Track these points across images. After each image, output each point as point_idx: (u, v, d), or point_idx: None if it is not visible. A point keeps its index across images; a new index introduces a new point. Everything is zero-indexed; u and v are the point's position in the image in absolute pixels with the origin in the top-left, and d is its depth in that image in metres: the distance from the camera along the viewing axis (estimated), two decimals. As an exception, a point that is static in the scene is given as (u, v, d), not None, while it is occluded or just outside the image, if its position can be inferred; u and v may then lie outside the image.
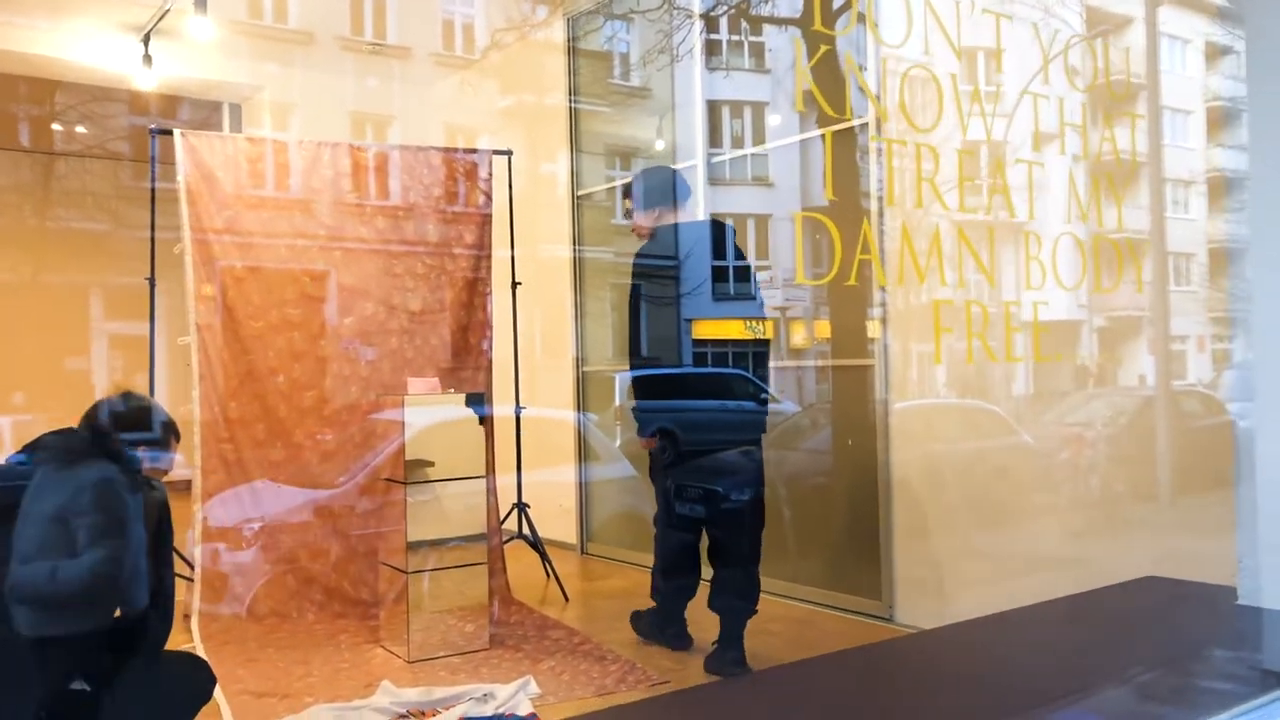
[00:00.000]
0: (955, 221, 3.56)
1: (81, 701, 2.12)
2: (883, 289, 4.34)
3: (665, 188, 4.24)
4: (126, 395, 2.66)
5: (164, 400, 4.59)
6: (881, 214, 4.21)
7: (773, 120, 5.89)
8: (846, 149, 4.47)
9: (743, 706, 1.44)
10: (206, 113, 7.21)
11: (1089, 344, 5.14)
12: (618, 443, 6.16)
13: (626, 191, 4.34)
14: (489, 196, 5.04)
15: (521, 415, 5.19)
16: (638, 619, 4.15)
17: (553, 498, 5.99)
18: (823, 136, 4.36)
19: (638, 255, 4.25)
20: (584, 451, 6.17)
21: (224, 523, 4.49)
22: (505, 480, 5.05)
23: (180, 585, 4.04)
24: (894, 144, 3.45)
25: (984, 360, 3.90)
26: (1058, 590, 4.06)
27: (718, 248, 4.36)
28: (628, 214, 4.26)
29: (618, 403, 6.23)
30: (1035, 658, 1.82)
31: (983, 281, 3.77)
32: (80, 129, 7.90)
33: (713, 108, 6.09)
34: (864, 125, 4.31)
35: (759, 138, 6.01)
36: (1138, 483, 4.78)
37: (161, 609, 2.38)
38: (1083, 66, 4.05)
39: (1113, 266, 4.27)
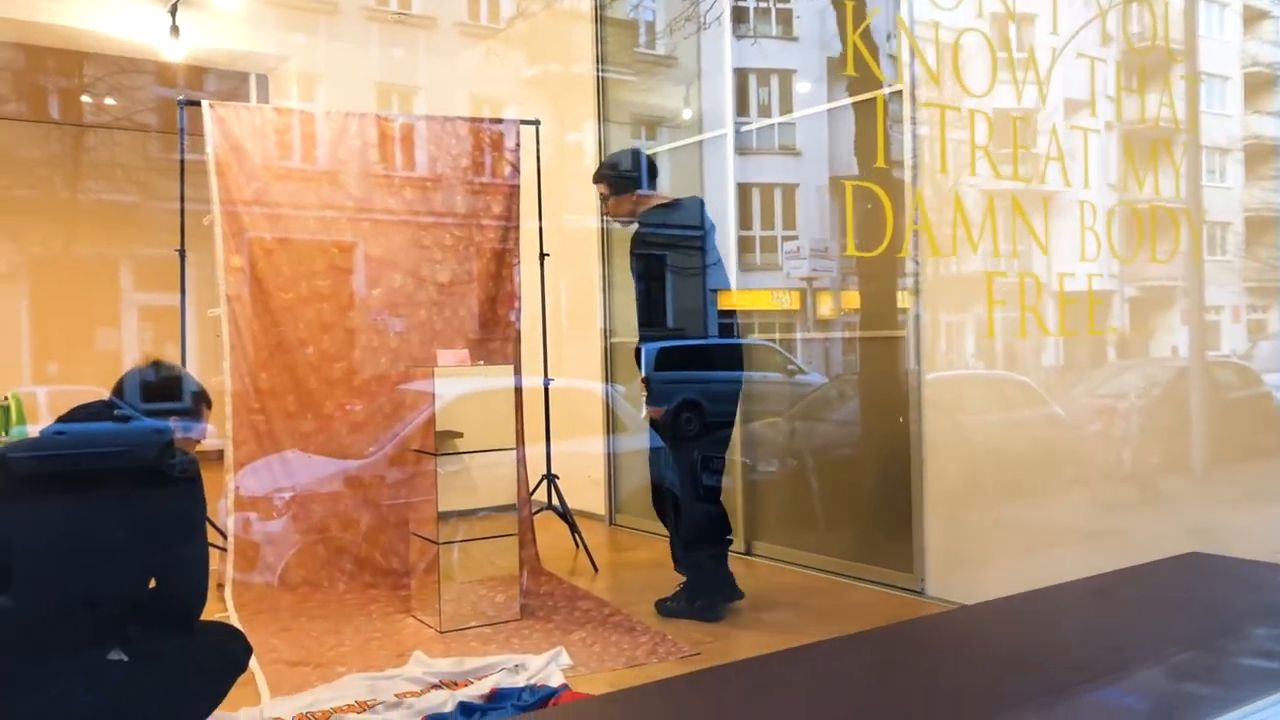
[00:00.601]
0: (1003, 190, 3.50)
1: (120, 671, 2.14)
2: (915, 260, 4.29)
3: (637, 170, 4.26)
4: (156, 365, 2.66)
5: (195, 371, 4.62)
6: (916, 182, 4.15)
7: (801, 88, 5.81)
8: (877, 117, 4.40)
9: (781, 681, 1.42)
10: (234, 83, 7.21)
11: (1120, 314, 5.07)
12: (644, 414, 6.16)
13: (597, 178, 4.29)
14: (516, 167, 5.01)
15: (549, 387, 5.20)
16: (662, 606, 4.12)
17: (581, 469, 6.00)
18: (874, 101, 4.30)
19: (644, 228, 4.23)
20: (612, 423, 6.17)
21: (255, 492, 4.53)
22: (534, 451, 5.06)
23: (214, 555, 4.08)
24: (948, 110, 3.38)
25: (1015, 331, 3.85)
26: (1089, 562, 4.03)
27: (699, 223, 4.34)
28: (603, 199, 4.26)
29: (642, 374, 6.23)
30: (1074, 636, 1.80)
31: (1024, 251, 3.72)
32: (109, 101, 7.92)
33: (740, 76, 6.02)
34: (896, 93, 4.24)
35: (786, 106, 5.94)
36: (1171, 455, 4.72)
37: (196, 579, 2.40)
38: (1118, 31, 3.97)
39: (1146, 236, 4.20)
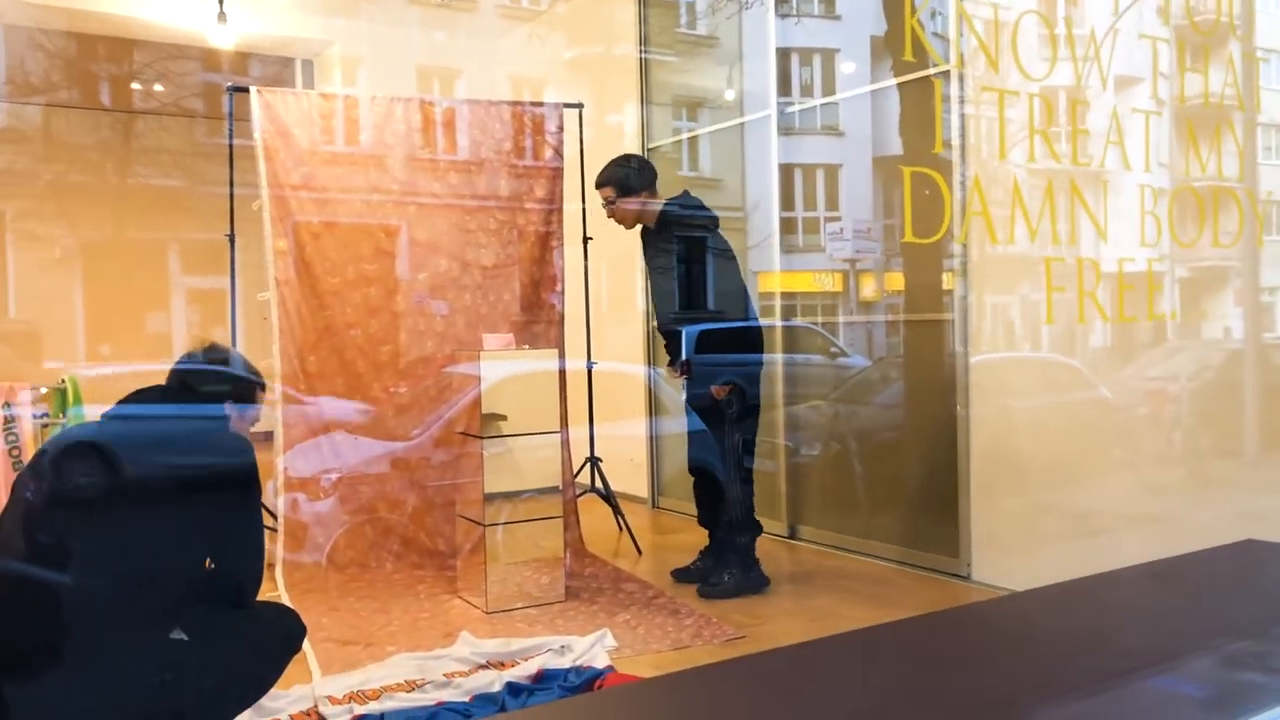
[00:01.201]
0: (1060, 174, 3.45)
1: (182, 651, 2.19)
2: (963, 244, 4.24)
3: (643, 174, 4.35)
4: (211, 348, 2.70)
5: (244, 354, 4.69)
6: (968, 166, 4.10)
7: (845, 68, 5.75)
8: (926, 98, 4.35)
9: (830, 667, 1.43)
10: (278, 68, 7.28)
11: (1171, 296, 4.98)
12: (685, 396, 6.16)
13: (601, 183, 4.38)
14: (559, 150, 5.02)
15: (592, 370, 5.22)
16: (706, 590, 4.15)
17: (623, 452, 6.03)
18: (924, 83, 4.25)
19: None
20: (654, 405, 6.19)
21: (303, 473, 4.60)
22: (577, 434, 5.09)
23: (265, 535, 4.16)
24: (1006, 94, 3.33)
25: (1069, 316, 3.80)
26: (1138, 547, 3.99)
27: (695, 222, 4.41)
28: (609, 202, 4.33)
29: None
30: (1125, 623, 1.78)
31: (1079, 236, 3.66)
32: (158, 87, 8.04)
33: (782, 55, 5.97)
34: (944, 73, 4.19)
35: (829, 85, 5.88)
36: (1223, 439, 4.64)
37: (252, 559, 2.44)
38: (1177, 7, 3.88)
39: (1207, 219, 4.12)
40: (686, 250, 4.34)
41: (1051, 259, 3.50)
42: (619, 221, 4.38)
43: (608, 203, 4.34)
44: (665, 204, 4.33)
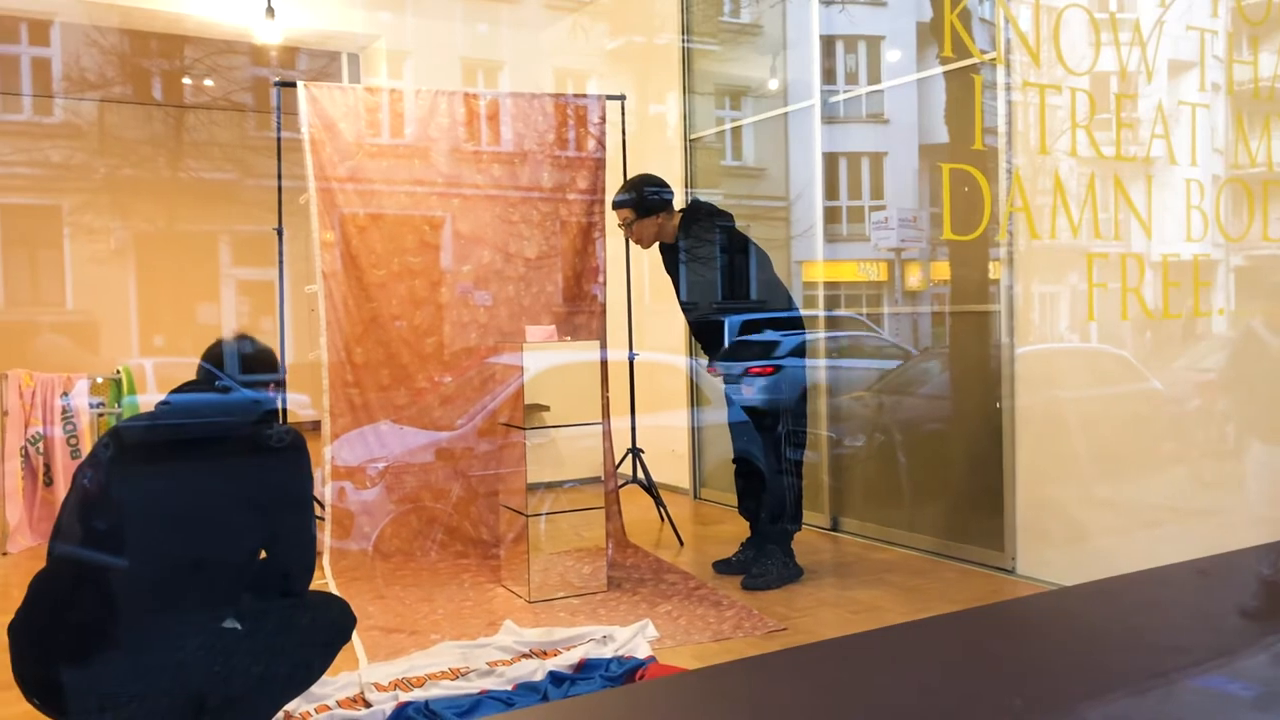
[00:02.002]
0: (1104, 168, 3.39)
1: (235, 639, 2.24)
2: (1010, 242, 4.19)
3: (660, 194, 4.39)
4: (241, 338, 2.69)
5: (291, 345, 4.77)
6: (1012, 159, 4.05)
7: (890, 56, 5.69)
8: (970, 88, 4.29)
9: (874, 660, 1.43)
10: (325, 62, 7.37)
11: (1226, 285, 4.88)
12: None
13: (618, 205, 4.43)
14: (601, 141, 5.03)
15: (634, 360, 5.23)
16: (750, 583, 4.14)
17: (665, 442, 6.04)
18: (971, 78, 4.20)
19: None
20: (696, 396, 6.19)
21: (350, 462, 4.67)
22: (619, 424, 5.10)
23: (313, 523, 4.23)
24: (1047, 89, 3.29)
25: (1115, 310, 3.74)
26: (1188, 541, 3.92)
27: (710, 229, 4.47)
28: (627, 225, 4.38)
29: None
30: (1175, 620, 1.76)
31: (1125, 230, 3.60)
32: (208, 82, 8.17)
33: (826, 42, 5.92)
34: (991, 60, 4.13)
35: (874, 72, 5.83)
36: (1279, 432, 4.55)
37: (302, 548, 2.48)
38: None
39: (1257, 210, 4.02)
40: (711, 251, 4.39)
41: (1094, 255, 3.44)
42: (636, 241, 4.46)
43: (625, 224, 4.40)
44: (682, 215, 4.39)
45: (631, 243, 4.57)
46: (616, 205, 4.45)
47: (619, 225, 4.46)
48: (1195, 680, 1.46)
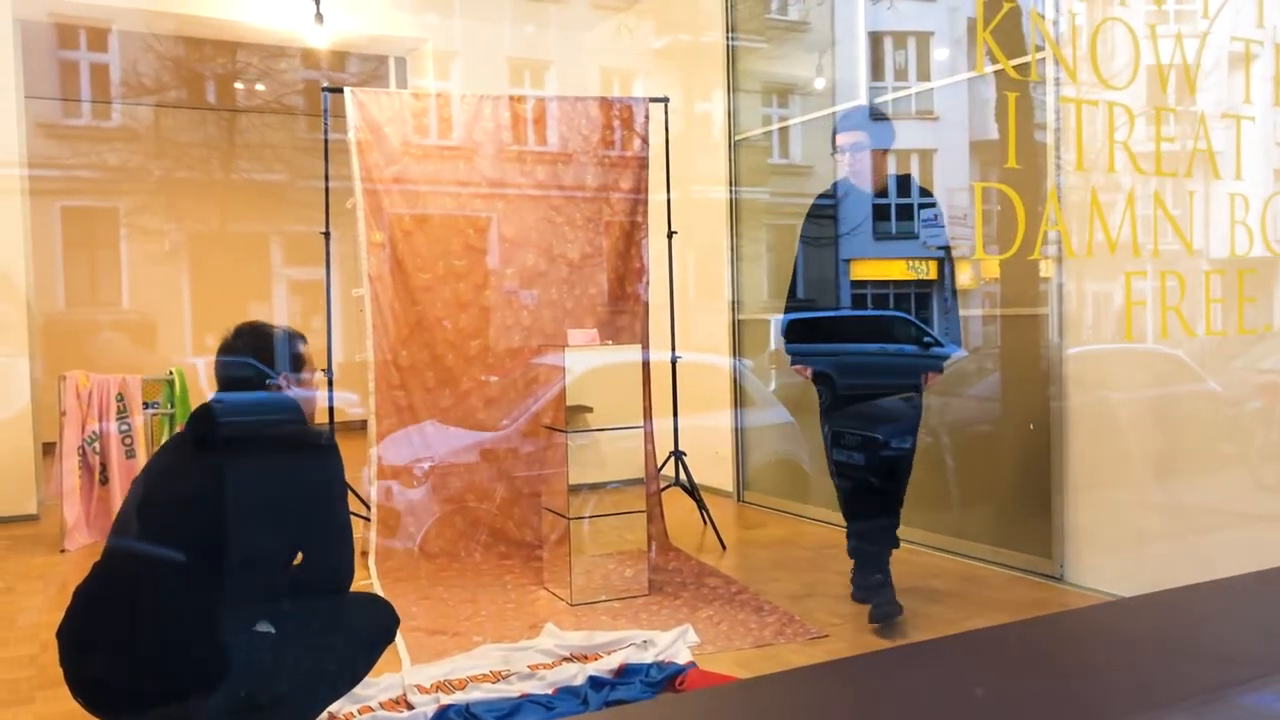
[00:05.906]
0: (1146, 184, 3.31)
1: (267, 644, 2.27)
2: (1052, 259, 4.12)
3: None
4: (243, 330, 2.67)
5: (339, 346, 4.83)
6: (1058, 174, 3.97)
7: (939, 53, 5.61)
8: (1019, 103, 4.22)
9: (922, 672, 1.41)
10: (374, 65, 7.45)
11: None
12: (772, 387, 6.11)
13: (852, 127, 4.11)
14: (645, 141, 5.02)
15: (677, 362, 5.21)
16: (873, 614, 3.70)
17: (708, 444, 6.01)
18: (1006, 97, 4.11)
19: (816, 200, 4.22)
20: (739, 398, 6.16)
21: (396, 462, 4.71)
22: (661, 427, 5.09)
23: (357, 524, 4.27)
24: (1084, 104, 3.22)
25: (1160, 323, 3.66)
26: (1247, 548, 3.81)
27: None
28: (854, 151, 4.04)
29: (772, 347, 6.15)
30: (1234, 634, 1.71)
31: (1167, 248, 3.52)
32: (259, 86, 8.30)
33: (874, 39, 5.85)
34: (1034, 63, 4.05)
35: (923, 69, 5.75)
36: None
37: (339, 549, 2.49)
38: (1265, 5, 3.68)
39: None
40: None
41: (1132, 273, 3.37)
42: (856, 174, 4.08)
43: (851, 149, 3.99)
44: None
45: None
46: (849, 129, 4.01)
47: (833, 154, 4.05)
48: (1255, 697, 1.42)
